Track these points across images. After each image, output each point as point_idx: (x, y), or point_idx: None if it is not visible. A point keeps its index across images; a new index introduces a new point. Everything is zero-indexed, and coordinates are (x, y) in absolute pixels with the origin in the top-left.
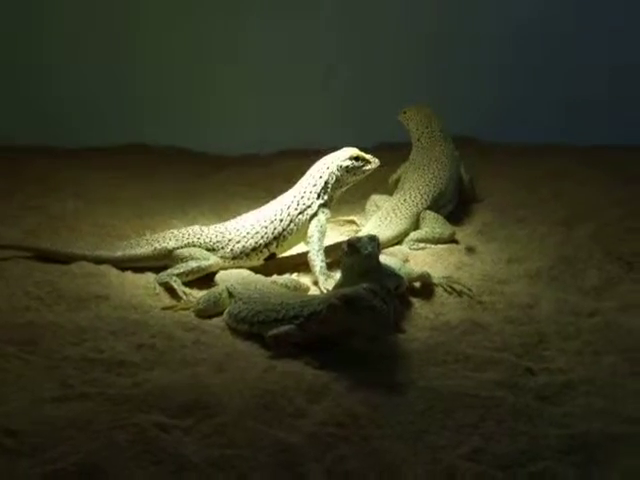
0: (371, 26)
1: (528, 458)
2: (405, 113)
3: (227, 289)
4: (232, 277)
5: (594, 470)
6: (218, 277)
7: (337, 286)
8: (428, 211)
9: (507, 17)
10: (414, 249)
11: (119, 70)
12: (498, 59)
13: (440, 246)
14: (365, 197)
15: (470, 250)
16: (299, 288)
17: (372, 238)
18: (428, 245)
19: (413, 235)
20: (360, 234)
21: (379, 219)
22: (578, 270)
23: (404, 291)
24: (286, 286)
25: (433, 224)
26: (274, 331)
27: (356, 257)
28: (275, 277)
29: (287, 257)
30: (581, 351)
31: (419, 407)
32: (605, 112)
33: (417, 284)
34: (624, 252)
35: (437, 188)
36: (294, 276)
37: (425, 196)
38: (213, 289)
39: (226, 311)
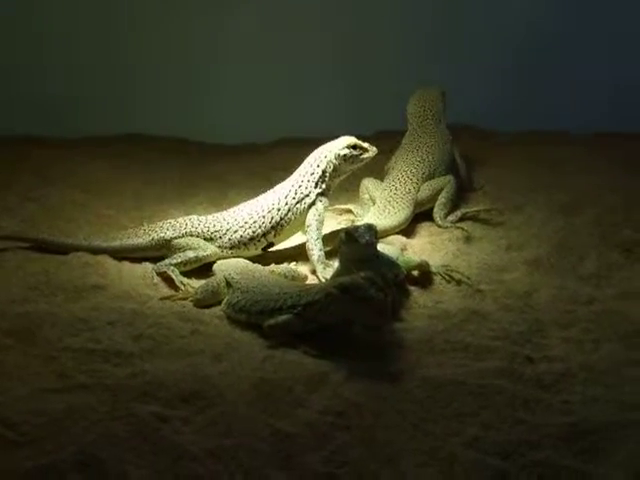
0: (369, 14)
1: (528, 446)
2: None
3: (225, 279)
4: (230, 267)
5: (594, 458)
6: (216, 267)
7: (335, 275)
8: (423, 186)
9: (508, 7)
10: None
11: (116, 59)
12: (497, 47)
13: (439, 235)
14: None
15: (468, 238)
16: (297, 277)
17: (370, 227)
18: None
19: (440, 213)
20: (358, 223)
21: (378, 211)
22: (577, 257)
23: (402, 280)
24: (284, 275)
25: (438, 187)
26: (272, 321)
27: (354, 246)
28: (273, 266)
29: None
30: (580, 339)
31: (418, 396)
32: (606, 99)
33: (415, 273)
34: (623, 239)
35: (425, 170)
36: (292, 265)
37: (415, 179)
38: (211, 279)
39: (224, 301)
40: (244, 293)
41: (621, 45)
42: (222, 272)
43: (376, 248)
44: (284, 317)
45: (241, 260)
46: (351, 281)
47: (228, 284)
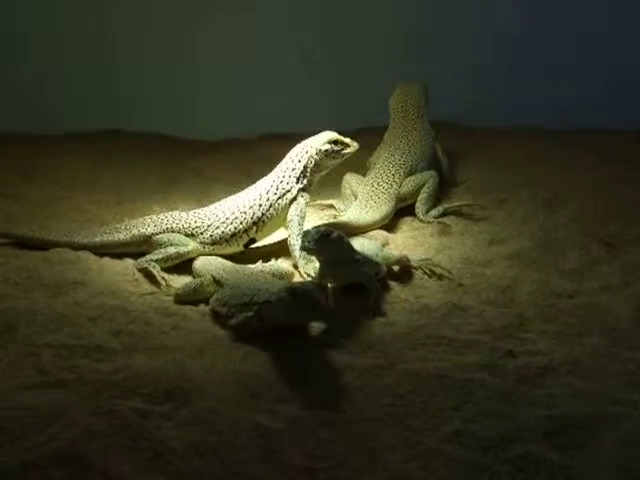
0: (351, 8)
1: (509, 440)
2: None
3: (213, 277)
4: (211, 264)
5: (576, 452)
6: (197, 263)
7: (318, 275)
8: (405, 181)
9: (489, 4)
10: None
11: (97, 56)
12: (479, 43)
13: (421, 230)
14: None
15: (450, 233)
16: (285, 276)
17: (320, 231)
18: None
19: (422, 208)
20: (341, 220)
21: (359, 206)
22: (558, 251)
23: (384, 275)
24: (273, 274)
25: (420, 182)
26: (233, 320)
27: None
28: (260, 264)
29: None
30: (562, 332)
31: (400, 390)
32: (589, 96)
33: (396, 268)
34: (604, 233)
35: (407, 165)
36: (275, 261)
37: (397, 174)
38: (197, 279)
39: (213, 298)
40: (233, 289)
41: (603, 43)
42: (205, 270)
43: (349, 248)
44: (243, 316)
45: (219, 259)
46: (302, 287)
47: (218, 283)
